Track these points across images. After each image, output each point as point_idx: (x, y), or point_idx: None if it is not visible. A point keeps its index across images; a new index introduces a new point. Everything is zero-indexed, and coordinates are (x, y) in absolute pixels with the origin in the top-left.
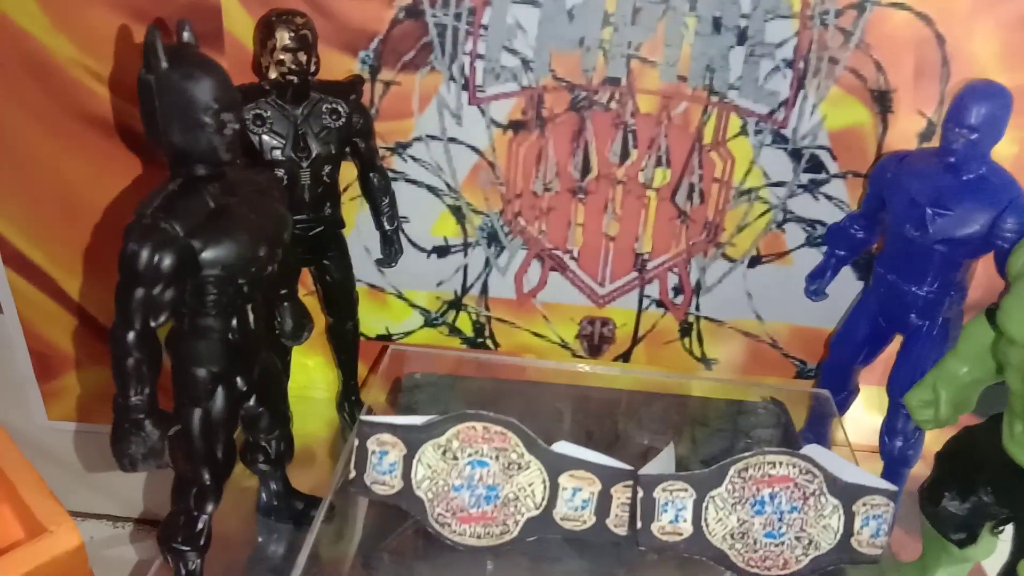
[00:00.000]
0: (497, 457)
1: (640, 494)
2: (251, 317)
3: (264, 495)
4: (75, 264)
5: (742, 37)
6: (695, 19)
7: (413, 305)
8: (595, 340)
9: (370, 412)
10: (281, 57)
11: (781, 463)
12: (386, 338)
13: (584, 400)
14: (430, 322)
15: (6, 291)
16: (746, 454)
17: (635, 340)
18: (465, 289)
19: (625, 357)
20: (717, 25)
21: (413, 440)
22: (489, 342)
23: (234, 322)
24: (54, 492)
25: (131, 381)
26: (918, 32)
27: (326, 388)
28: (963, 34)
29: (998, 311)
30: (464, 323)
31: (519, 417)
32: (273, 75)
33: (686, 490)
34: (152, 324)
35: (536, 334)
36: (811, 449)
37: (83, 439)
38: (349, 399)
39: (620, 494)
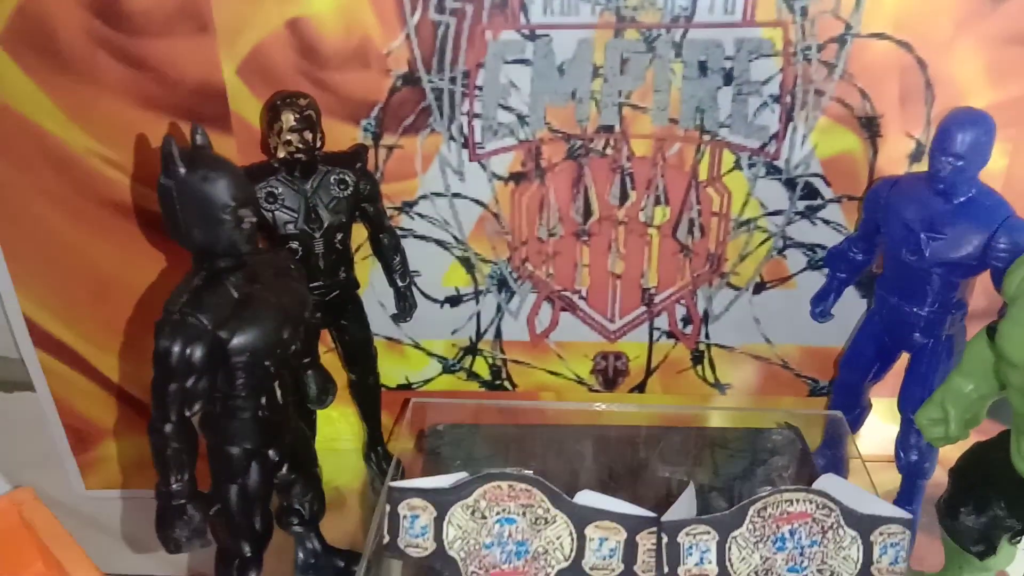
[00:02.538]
0: (524, 513)
1: (665, 540)
2: (279, 393)
3: (301, 555)
4: (104, 341)
5: (728, 78)
6: (681, 65)
7: (431, 354)
8: (610, 374)
9: (399, 466)
10: (288, 137)
11: (798, 500)
12: (407, 387)
13: (603, 439)
14: (448, 369)
15: (38, 371)
16: (764, 493)
17: (649, 371)
18: (479, 335)
19: (640, 388)
20: (703, 68)
21: (442, 503)
22: (507, 383)
23: (263, 400)
24: (99, 559)
25: (171, 469)
26: (899, 59)
27: (352, 439)
28: (944, 57)
29: (996, 334)
30: (481, 367)
31: (542, 461)
32: (282, 154)
33: (709, 532)
34: (187, 414)
35: (552, 372)
36: (826, 480)
37: (123, 505)
38: (375, 450)
39: (645, 541)
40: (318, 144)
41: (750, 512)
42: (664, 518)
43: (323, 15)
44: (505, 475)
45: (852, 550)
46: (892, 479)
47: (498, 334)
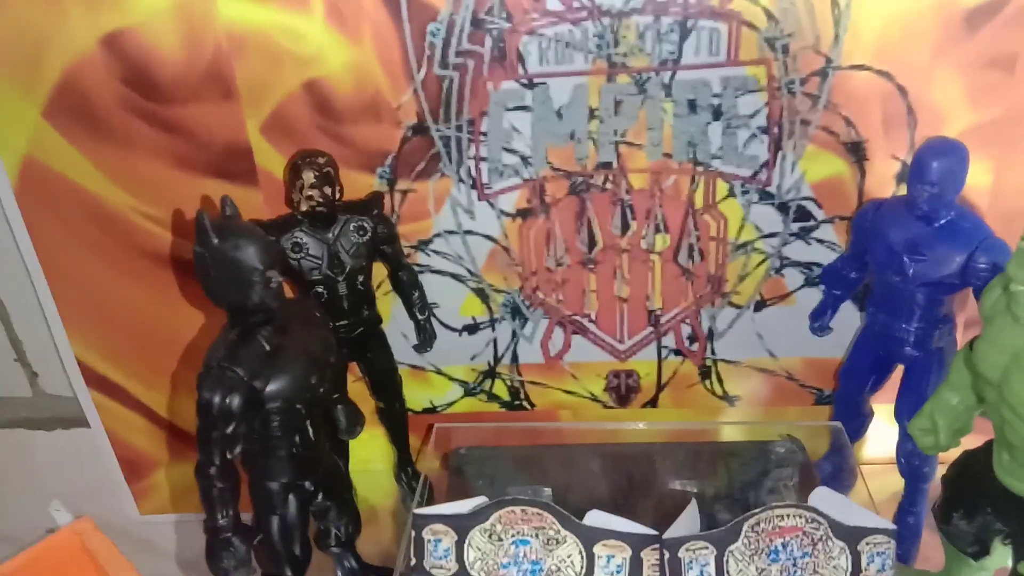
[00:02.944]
0: (537, 535)
1: (667, 556)
2: (311, 431)
3: (340, 573)
4: (151, 379)
5: (717, 113)
6: (672, 104)
7: (452, 379)
8: (622, 391)
9: (427, 483)
10: (309, 193)
11: (789, 515)
12: (431, 410)
13: (616, 456)
14: (469, 392)
15: (91, 408)
16: (756, 510)
17: (659, 387)
18: (497, 359)
19: (652, 403)
20: (693, 106)
21: (462, 527)
22: (525, 403)
23: (297, 438)
24: None
25: (217, 506)
26: (880, 87)
27: (383, 460)
28: (924, 83)
29: (971, 352)
30: (500, 389)
31: (559, 480)
32: (304, 208)
33: (707, 548)
34: (229, 456)
35: (568, 391)
36: (819, 493)
37: (175, 528)
38: (405, 470)
39: (649, 557)
40: (337, 197)
41: (744, 527)
42: (665, 535)
43: (336, 75)
44: (518, 500)
45: (841, 560)
46: (898, 482)
47: (515, 358)
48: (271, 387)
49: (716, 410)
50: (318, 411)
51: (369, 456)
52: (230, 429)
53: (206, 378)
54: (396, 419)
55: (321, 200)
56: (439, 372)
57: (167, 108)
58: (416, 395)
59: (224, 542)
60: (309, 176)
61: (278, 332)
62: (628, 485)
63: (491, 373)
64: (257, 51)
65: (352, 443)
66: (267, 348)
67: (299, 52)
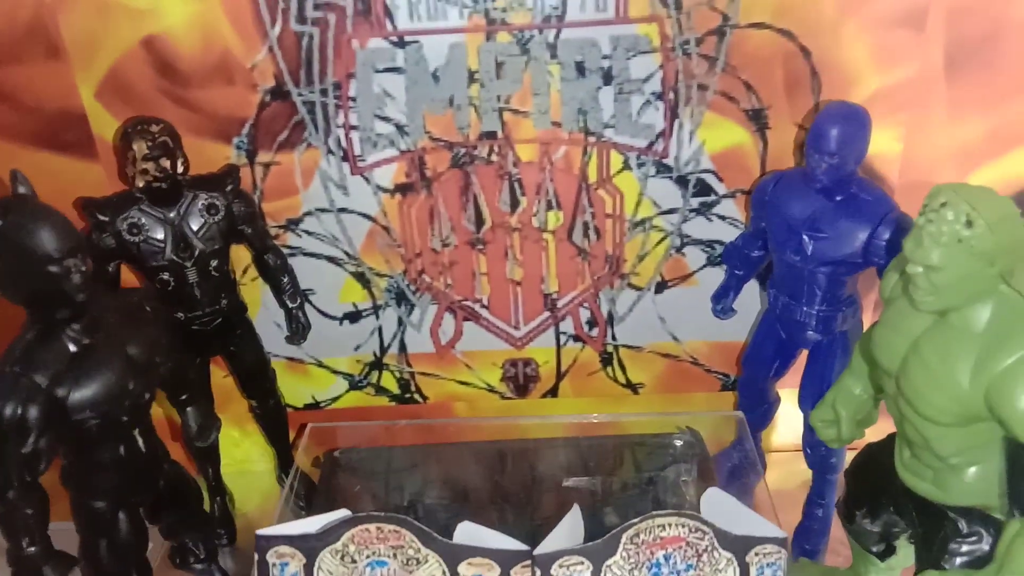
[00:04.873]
0: (395, 555)
1: (539, 573)
2: (140, 441)
3: None
4: None
5: (608, 77)
6: (558, 66)
7: (335, 371)
8: (520, 380)
9: (294, 486)
10: (144, 166)
11: (671, 525)
12: (314, 406)
13: (505, 453)
14: (355, 385)
15: None
16: (635, 520)
17: (559, 375)
18: (384, 349)
19: (553, 392)
20: (581, 69)
21: (310, 549)
22: (417, 396)
23: (122, 450)
24: None
25: (22, 534)
26: (782, 48)
27: (261, 459)
28: (828, 44)
29: (869, 340)
30: (389, 381)
31: (440, 483)
32: (140, 183)
33: (583, 563)
34: (30, 478)
35: (461, 382)
36: (710, 495)
37: None
38: (287, 471)
39: (520, 575)
40: (179, 170)
41: (623, 539)
42: (537, 551)
43: (177, 31)
44: (373, 517)
45: (728, 572)
46: (808, 470)
47: (403, 347)
48: (76, 395)
49: (621, 398)
50: (147, 419)
51: (246, 456)
52: (27, 447)
53: None
54: (271, 417)
55: (158, 174)
56: (320, 364)
57: None
58: (296, 390)
59: (34, 574)
60: (141, 147)
61: (89, 330)
62: (519, 484)
63: (378, 364)
64: (85, 1)
65: (227, 442)
66: (72, 350)
67: (133, 3)
